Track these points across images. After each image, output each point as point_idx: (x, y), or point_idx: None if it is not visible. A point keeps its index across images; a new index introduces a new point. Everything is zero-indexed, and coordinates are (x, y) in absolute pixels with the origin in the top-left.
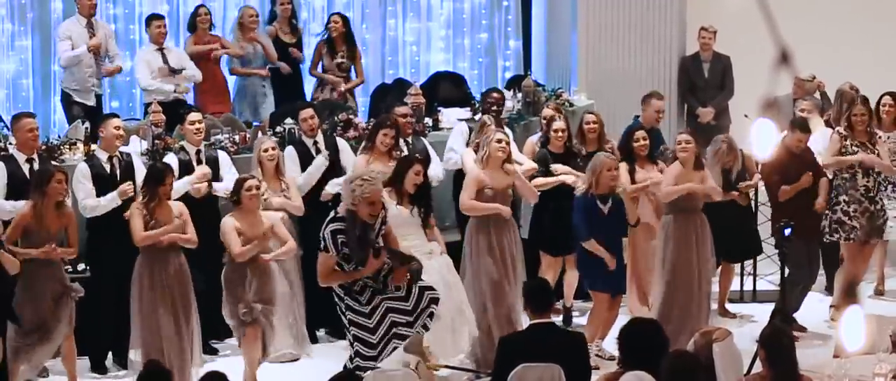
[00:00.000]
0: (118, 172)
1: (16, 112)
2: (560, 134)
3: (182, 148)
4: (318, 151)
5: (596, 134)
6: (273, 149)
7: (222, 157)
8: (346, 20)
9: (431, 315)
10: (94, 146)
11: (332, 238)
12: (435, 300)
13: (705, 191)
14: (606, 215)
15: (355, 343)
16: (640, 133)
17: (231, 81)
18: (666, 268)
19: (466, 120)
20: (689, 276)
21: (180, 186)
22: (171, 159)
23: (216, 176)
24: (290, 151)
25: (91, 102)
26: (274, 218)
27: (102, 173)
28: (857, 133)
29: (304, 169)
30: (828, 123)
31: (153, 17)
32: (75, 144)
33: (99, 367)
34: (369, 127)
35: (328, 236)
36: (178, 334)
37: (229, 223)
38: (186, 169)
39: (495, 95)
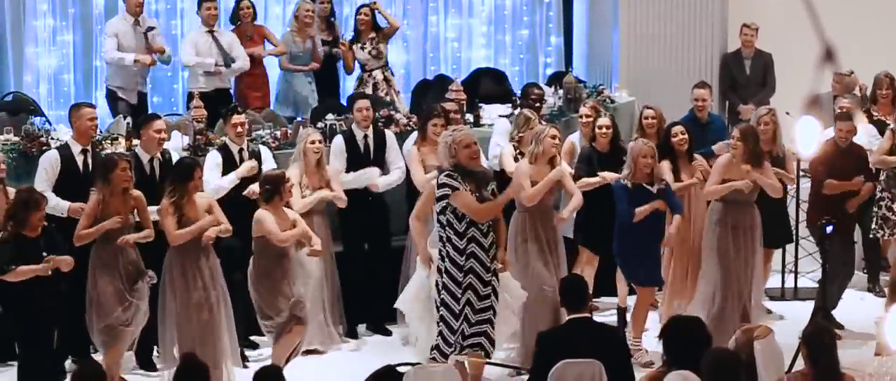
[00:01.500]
0: (158, 173)
1: (75, 102)
2: (605, 131)
3: (225, 145)
4: (368, 146)
5: (655, 129)
6: (320, 142)
7: (264, 152)
8: (372, 11)
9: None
10: (135, 144)
11: (450, 178)
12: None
13: (754, 187)
14: (655, 194)
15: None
16: (678, 128)
17: (273, 76)
18: (710, 260)
19: (507, 116)
20: (733, 270)
21: (227, 182)
22: (214, 156)
23: (260, 171)
24: (339, 142)
25: (134, 100)
26: (294, 214)
27: (141, 177)
28: None
29: (350, 160)
30: (871, 120)
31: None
32: (116, 138)
33: (146, 364)
34: (413, 120)
35: (445, 179)
36: (213, 331)
37: (269, 216)
38: (228, 166)
39: (537, 91)
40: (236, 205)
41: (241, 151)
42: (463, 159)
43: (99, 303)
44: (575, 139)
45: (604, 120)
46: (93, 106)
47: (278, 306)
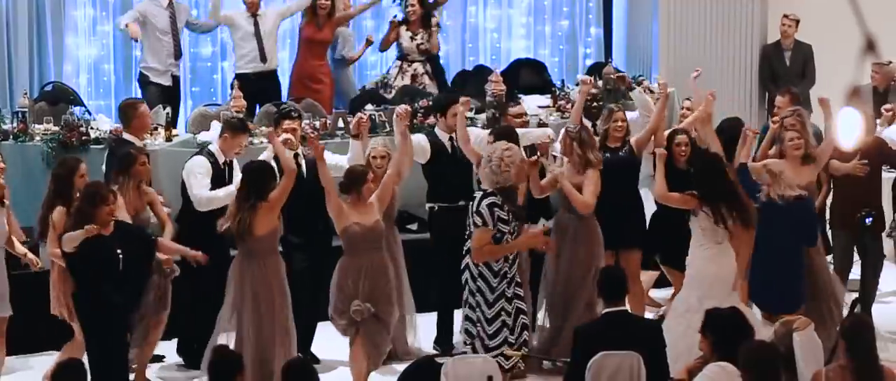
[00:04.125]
0: (226, 172)
1: (128, 99)
2: (684, 148)
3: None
4: (454, 147)
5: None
6: (382, 158)
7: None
8: (422, 1)
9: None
10: (175, 134)
11: (490, 212)
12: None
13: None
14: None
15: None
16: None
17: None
18: None
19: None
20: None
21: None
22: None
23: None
24: (421, 138)
25: (168, 82)
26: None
27: (217, 172)
28: None
29: (435, 157)
30: None
31: None
32: (156, 128)
33: (191, 359)
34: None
35: (485, 210)
36: (287, 332)
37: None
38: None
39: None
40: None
41: (296, 156)
42: (516, 178)
43: None
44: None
45: (682, 137)
46: (143, 101)
47: (344, 309)
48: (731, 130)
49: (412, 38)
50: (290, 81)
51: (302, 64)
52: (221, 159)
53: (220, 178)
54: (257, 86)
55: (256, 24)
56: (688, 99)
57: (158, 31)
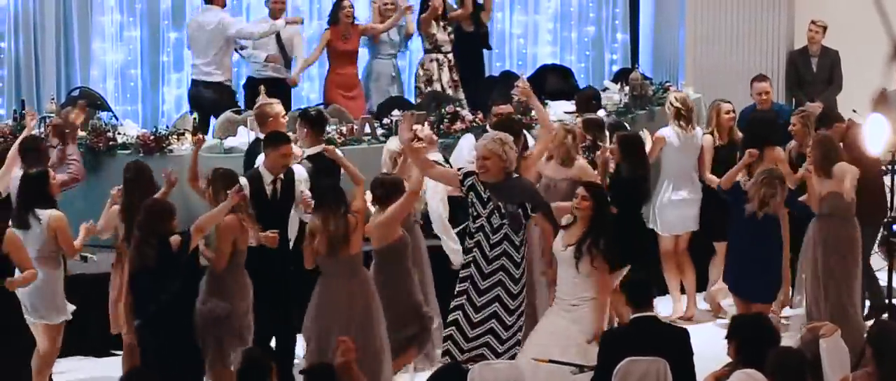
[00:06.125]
0: (278, 193)
1: (272, 133)
2: None
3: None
4: None
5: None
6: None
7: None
8: None
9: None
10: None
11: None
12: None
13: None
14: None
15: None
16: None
17: (361, 61)
18: (808, 275)
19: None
20: (815, 289)
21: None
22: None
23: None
24: (470, 139)
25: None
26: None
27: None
28: None
29: None
30: None
31: None
32: (183, 134)
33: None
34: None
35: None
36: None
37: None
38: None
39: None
40: None
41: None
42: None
43: None
44: (665, 133)
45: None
46: (290, 140)
47: (404, 319)
48: (760, 124)
49: (445, 29)
50: (325, 90)
51: (333, 76)
52: (268, 178)
53: (261, 191)
54: (269, 91)
55: (278, 36)
56: (727, 102)
57: None
